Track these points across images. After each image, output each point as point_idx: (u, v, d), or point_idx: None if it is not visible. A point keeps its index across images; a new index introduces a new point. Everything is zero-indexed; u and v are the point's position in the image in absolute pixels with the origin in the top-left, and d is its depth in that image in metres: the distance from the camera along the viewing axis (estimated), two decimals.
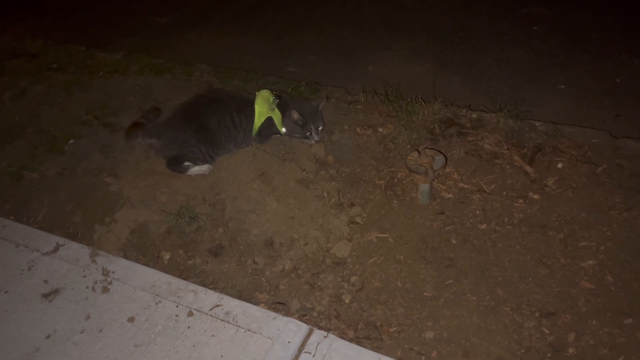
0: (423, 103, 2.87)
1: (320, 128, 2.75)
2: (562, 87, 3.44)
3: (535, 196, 2.39)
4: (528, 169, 2.51)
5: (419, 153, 2.33)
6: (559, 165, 2.50)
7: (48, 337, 2.08)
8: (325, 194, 2.52)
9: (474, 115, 2.83)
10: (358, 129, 2.86)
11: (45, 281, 2.30)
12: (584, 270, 2.09)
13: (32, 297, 2.24)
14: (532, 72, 3.62)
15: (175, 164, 2.67)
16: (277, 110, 2.76)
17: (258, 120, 2.74)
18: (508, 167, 2.55)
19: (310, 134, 2.72)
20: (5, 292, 2.27)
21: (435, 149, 2.37)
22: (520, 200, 2.38)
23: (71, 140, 2.98)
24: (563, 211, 2.31)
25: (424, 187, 2.37)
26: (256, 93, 2.78)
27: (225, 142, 2.72)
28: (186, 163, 2.65)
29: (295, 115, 2.68)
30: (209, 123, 2.68)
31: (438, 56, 3.87)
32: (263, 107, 2.74)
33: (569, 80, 3.48)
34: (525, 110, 2.89)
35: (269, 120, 2.75)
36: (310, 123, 2.70)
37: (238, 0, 5.13)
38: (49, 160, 2.89)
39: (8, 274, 2.34)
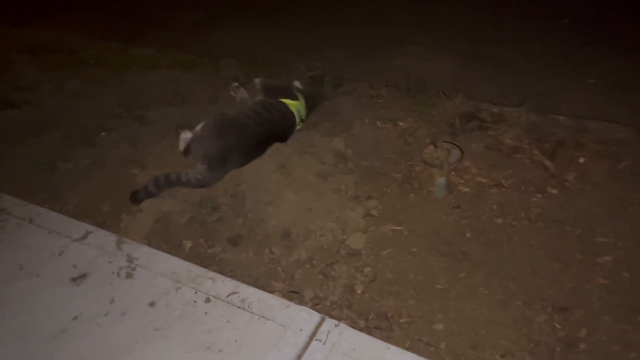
0: (444, 96, 2.86)
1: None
2: (592, 81, 3.37)
3: (554, 191, 2.37)
4: (548, 163, 2.48)
5: (436, 147, 2.34)
6: (581, 160, 2.46)
7: (74, 318, 2.19)
8: (342, 186, 2.56)
9: (495, 110, 2.81)
10: (378, 123, 2.88)
11: (74, 266, 2.41)
12: (599, 267, 2.06)
13: (62, 281, 2.36)
14: (561, 65, 3.56)
15: None
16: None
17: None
18: (528, 161, 2.53)
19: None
20: (38, 276, 2.40)
21: (452, 142, 2.38)
22: (539, 195, 2.36)
23: (102, 133, 3.11)
24: (582, 207, 2.28)
25: (440, 180, 2.38)
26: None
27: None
28: None
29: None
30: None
31: (465, 50, 3.84)
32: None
33: (600, 74, 3.41)
34: (552, 104, 2.85)
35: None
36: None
37: None
38: (81, 151, 3.03)
39: (41, 258, 2.48)
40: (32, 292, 2.32)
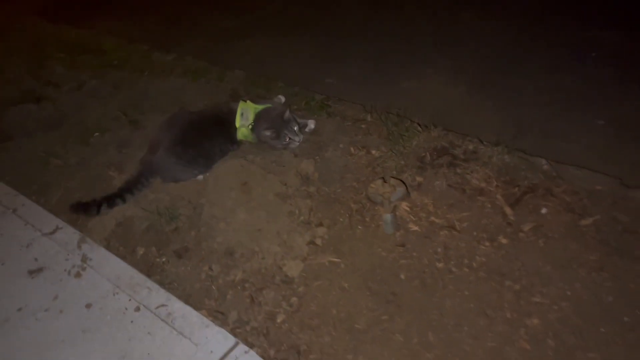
0: (419, 128, 2.76)
1: (295, 128, 2.84)
2: (601, 122, 3.11)
3: (504, 241, 2.22)
4: (508, 210, 2.34)
5: (385, 182, 2.28)
6: (543, 211, 2.30)
7: (19, 309, 2.33)
8: (297, 210, 2.54)
9: (471, 147, 2.67)
10: (352, 149, 2.83)
11: (36, 259, 2.56)
12: (526, 329, 1.91)
13: (20, 271, 2.51)
14: (573, 102, 3.31)
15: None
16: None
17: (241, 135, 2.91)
18: (489, 205, 2.39)
19: (288, 139, 2.83)
20: (2, 264, 2.57)
21: (399, 180, 2.30)
22: (487, 243, 2.23)
23: (96, 134, 3.28)
24: (528, 261, 2.13)
25: (387, 216, 2.31)
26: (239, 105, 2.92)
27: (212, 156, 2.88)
28: None
29: (268, 133, 2.80)
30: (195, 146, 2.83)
31: (478, 77, 3.67)
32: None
33: (612, 115, 3.13)
34: (550, 143, 2.68)
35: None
36: (283, 130, 2.80)
37: (300, 9, 5.20)
38: (74, 149, 3.21)
39: (11, 248, 2.65)
40: None
